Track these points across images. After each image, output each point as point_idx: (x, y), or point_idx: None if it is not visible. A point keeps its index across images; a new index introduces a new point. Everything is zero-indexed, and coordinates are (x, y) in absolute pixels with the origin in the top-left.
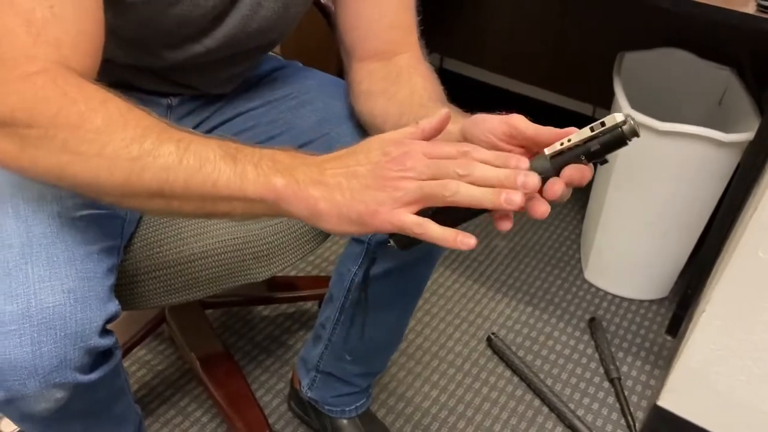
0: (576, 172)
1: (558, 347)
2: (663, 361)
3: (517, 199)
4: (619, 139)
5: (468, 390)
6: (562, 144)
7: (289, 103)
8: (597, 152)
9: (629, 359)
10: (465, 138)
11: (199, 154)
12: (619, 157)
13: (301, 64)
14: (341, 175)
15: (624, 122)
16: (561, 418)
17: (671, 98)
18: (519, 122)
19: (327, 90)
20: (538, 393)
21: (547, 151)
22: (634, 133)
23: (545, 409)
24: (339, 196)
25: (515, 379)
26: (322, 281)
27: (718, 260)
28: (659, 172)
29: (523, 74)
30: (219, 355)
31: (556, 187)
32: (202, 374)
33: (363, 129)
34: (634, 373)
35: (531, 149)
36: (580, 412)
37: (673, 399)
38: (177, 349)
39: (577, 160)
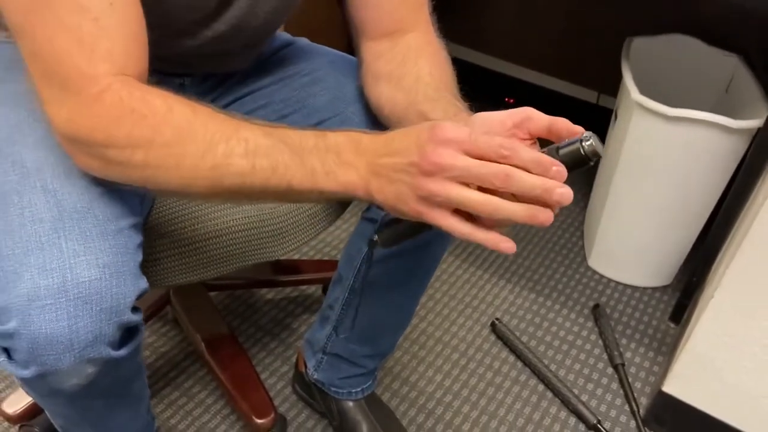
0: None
1: (562, 333)
2: (666, 348)
3: (550, 219)
4: (577, 154)
5: (472, 375)
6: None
7: (301, 81)
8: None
9: (633, 346)
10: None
11: (269, 157)
12: (627, 143)
13: (308, 41)
14: (388, 172)
15: (586, 138)
16: (565, 403)
17: (678, 85)
18: (538, 115)
19: (338, 67)
20: (541, 378)
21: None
22: (594, 152)
23: (549, 394)
24: (390, 194)
25: (519, 364)
26: (326, 265)
27: (723, 247)
28: (666, 159)
29: (527, 60)
30: (224, 337)
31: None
32: (207, 356)
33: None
34: (637, 359)
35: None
36: (584, 398)
37: (677, 385)
38: (181, 331)
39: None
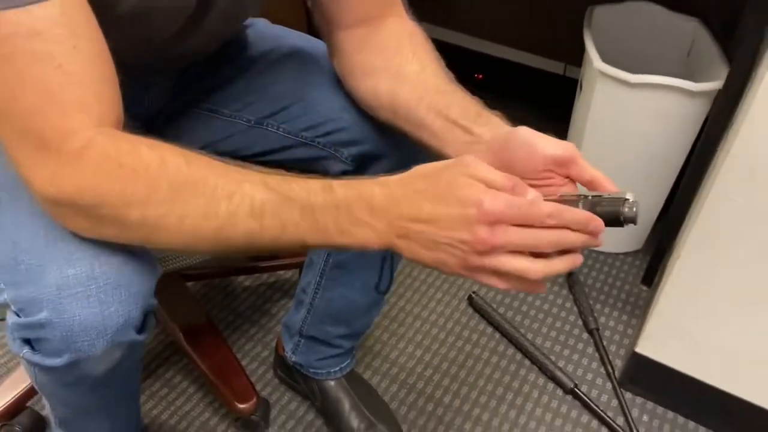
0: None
1: (537, 302)
2: (639, 311)
3: (581, 261)
4: (615, 216)
5: (451, 348)
6: (579, 196)
7: (262, 65)
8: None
9: (606, 310)
10: (500, 150)
11: (278, 215)
12: (592, 112)
13: (267, 22)
14: (424, 238)
15: (630, 204)
16: (543, 370)
17: (641, 51)
18: (582, 162)
19: (300, 49)
20: (519, 347)
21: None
22: (632, 219)
23: (527, 362)
24: (422, 254)
25: (497, 335)
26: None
27: (690, 209)
28: (631, 125)
29: (493, 35)
30: (203, 326)
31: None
32: (186, 346)
33: (342, 92)
34: (611, 323)
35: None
36: (561, 363)
37: (650, 345)
38: (159, 321)
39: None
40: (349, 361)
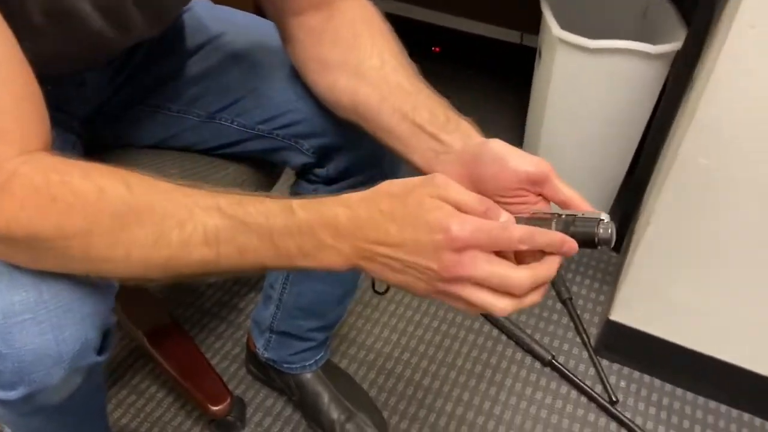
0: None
1: None
2: (610, 278)
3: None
4: (589, 238)
5: (427, 330)
6: (549, 214)
7: (207, 53)
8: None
9: (578, 279)
10: (471, 163)
11: (234, 242)
12: (553, 80)
13: (210, 2)
14: (391, 263)
15: (604, 226)
16: (519, 344)
17: (597, 16)
18: (556, 181)
19: (247, 33)
20: (494, 323)
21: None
22: (606, 241)
23: (503, 338)
24: (390, 277)
25: None
26: None
27: (654, 172)
28: (592, 91)
29: (447, 5)
30: (167, 327)
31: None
32: (151, 349)
33: (297, 81)
34: (584, 291)
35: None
36: (537, 336)
37: (623, 312)
38: (121, 326)
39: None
40: (323, 352)
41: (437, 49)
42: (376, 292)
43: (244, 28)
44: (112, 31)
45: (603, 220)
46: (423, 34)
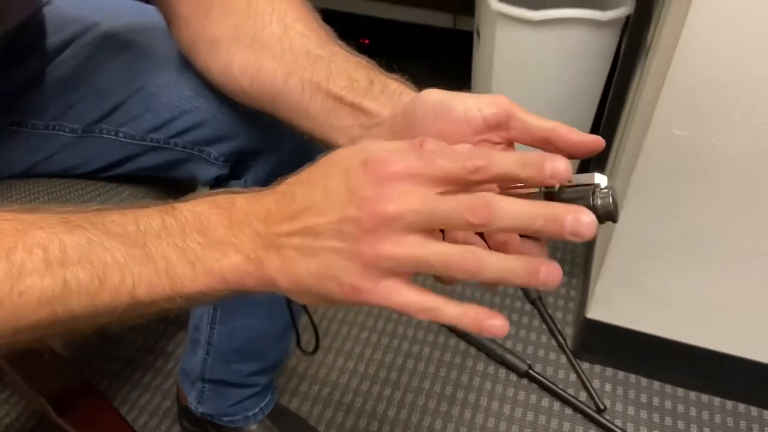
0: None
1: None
2: (578, 269)
3: (557, 275)
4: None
5: (386, 352)
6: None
7: (76, 49)
8: None
9: None
10: (405, 128)
11: (89, 262)
12: (496, 59)
13: None
14: (299, 241)
15: (601, 192)
16: (491, 356)
17: None
18: (516, 108)
19: (126, 20)
20: (461, 335)
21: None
22: (609, 213)
23: (473, 351)
24: (302, 270)
25: (434, 326)
26: None
27: (614, 148)
28: (541, 66)
29: None
30: (76, 390)
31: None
32: (58, 419)
33: (192, 73)
34: None
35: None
36: (509, 344)
37: (601, 308)
38: (19, 393)
39: None
40: (269, 397)
41: (366, 41)
42: (303, 351)
43: (121, 14)
44: None
45: (598, 185)
46: (350, 26)
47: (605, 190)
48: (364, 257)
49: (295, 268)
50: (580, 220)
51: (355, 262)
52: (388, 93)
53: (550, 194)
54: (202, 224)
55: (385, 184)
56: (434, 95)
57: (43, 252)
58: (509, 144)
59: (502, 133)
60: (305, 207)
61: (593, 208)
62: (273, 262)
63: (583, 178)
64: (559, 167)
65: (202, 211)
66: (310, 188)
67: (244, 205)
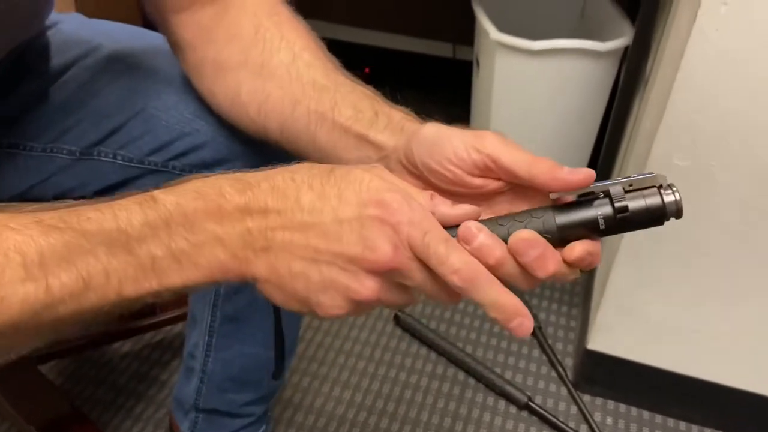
0: (588, 249)
1: (470, 309)
2: (578, 298)
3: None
4: (656, 211)
5: (384, 382)
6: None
7: (77, 72)
8: (620, 222)
9: (544, 304)
10: (408, 163)
11: (71, 263)
12: (495, 88)
13: (82, 17)
14: (296, 255)
15: (667, 189)
16: (490, 386)
17: (532, 19)
18: (500, 152)
19: (128, 43)
20: (460, 365)
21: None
22: (676, 211)
23: (472, 381)
24: (289, 283)
25: (433, 355)
26: (185, 296)
27: (614, 175)
28: (540, 95)
29: (372, 22)
30: (67, 418)
31: (555, 265)
32: None
33: (193, 95)
34: (552, 318)
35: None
36: (509, 375)
37: (602, 339)
38: (9, 422)
39: (590, 227)
40: (264, 427)
41: (367, 70)
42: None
43: (124, 38)
44: None
45: (664, 183)
46: (351, 56)
47: (671, 190)
48: (359, 296)
49: (283, 278)
50: (524, 325)
51: (346, 296)
52: (392, 126)
53: (617, 198)
54: (187, 219)
55: (395, 239)
56: (430, 133)
57: (21, 257)
58: (501, 183)
59: (492, 174)
60: (311, 222)
61: (664, 212)
62: (261, 264)
63: (606, 184)
64: (525, 327)
65: (187, 203)
66: (320, 201)
67: (235, 197)
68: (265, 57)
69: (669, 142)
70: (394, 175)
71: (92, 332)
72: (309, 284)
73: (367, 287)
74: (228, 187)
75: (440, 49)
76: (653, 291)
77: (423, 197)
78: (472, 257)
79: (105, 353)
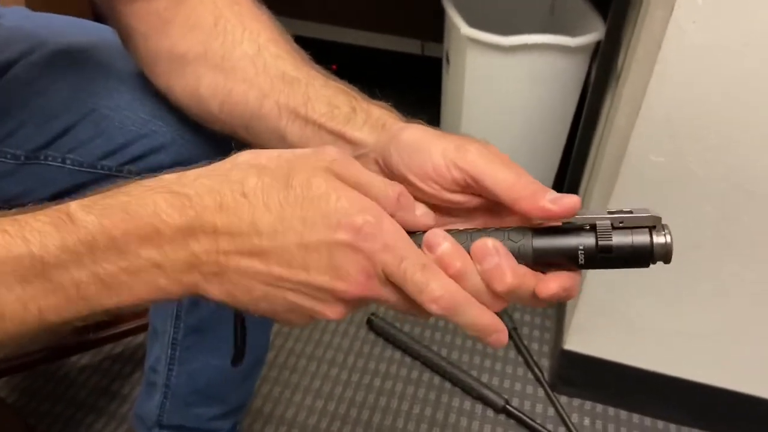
0: (564, 285)
1: None
2: None
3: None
4: (642, 251)
5: (358, 389)
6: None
7: (19, 71)
8: (602, 259)
9: (518, 305)
10: (386, 166)
11: None
12: (467, 84)
13: (27, 10)
14: (256, 282)
15: (660, 230)
16: (467, 390)
17: (502, 16)
18: (482, 170)
19: (77, 37)
20: (436, 369)
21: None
22: (664, 255)
23: (448, 386)
24: (250, 304)
25: (407, 359)
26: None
27: (590, 174)
28: (511, 91)
29: (339, 18)
30: None
31: (514, 278)
32: None
33: (149, 92)
34: (527, 318)
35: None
36: (485, 378)
37: (579, 339)
38: None
39: (569, 257)
40: None
41: (334, 66)
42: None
43: (73, 32)
44: None
45: (657, 222)
46: (318, 52)
47: (664, 231)
48: (327, 318)
49: (242, 302)
50: (500, 339)
51: (314, 317)
52: (371, 122)
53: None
54: (115, 243)
55: (367, 267)
56: (411, 139)
57: None
58: (481, 200)
59: (470, 190)
60: (272, 247)
61: (651, 253)
62: (213, 288)
63: (595, 215)
64: (501, 341)
65: (113, 225)
66: (281, 224)
67: (174, 217)
68: (227, 49)
69: (645, 137)
70: (354, 164)
71: (48, 345)
72: (274, 306)
73: (335, 312)
74: (163, 204)
75: (409, 46)
76: (629, 289)
77: (390, 196)
78: (451, 281)
79: (62, 367)
